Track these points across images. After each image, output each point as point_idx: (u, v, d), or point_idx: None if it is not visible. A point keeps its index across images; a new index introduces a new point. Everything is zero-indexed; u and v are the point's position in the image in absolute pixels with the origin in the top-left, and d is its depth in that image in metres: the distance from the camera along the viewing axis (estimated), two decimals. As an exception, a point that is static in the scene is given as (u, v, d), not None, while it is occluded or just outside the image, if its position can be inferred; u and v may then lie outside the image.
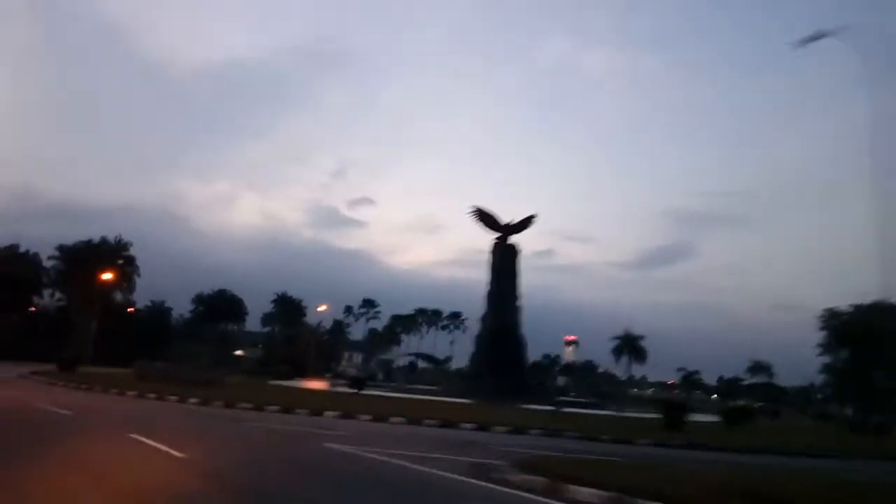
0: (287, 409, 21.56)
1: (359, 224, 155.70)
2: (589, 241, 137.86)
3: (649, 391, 79.83)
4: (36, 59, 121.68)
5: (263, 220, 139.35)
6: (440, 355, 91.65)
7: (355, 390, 36.74)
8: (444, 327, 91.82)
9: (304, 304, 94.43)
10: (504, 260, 45.84)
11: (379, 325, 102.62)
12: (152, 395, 23.65)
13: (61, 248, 66.58)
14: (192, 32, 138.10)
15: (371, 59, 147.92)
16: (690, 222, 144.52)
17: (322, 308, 75.04)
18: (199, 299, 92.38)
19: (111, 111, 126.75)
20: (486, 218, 47.19)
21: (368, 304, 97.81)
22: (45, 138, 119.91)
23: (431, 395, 40.65)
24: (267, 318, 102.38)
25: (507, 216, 46.54)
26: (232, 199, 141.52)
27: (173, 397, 23.06)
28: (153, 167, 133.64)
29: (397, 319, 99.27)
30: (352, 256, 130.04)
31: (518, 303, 45.41)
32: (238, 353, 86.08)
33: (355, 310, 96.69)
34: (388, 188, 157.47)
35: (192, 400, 22.40)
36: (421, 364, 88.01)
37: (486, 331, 44.81)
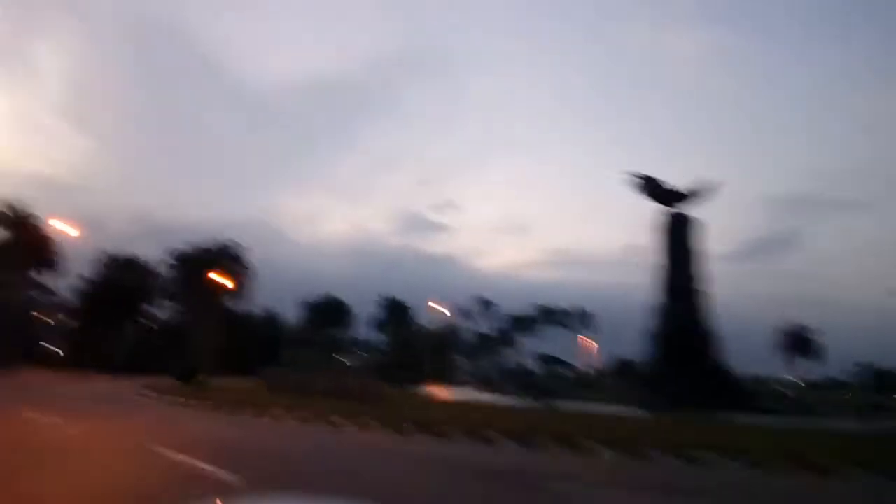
0: (525, 441, 13.45)
1: (445, 228, 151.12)
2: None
3: (847, 395, 66.80)
4: (139, 89, 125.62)
5: (353, 228, 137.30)
6: (566, 358, 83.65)
7: (537, 402, 29.44)
8: (567, 327, 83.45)
9: (411, 307, 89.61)
10: (678, 237, 37.55)
11: (484, 327, 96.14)
12: (305, 417, 17.50)
13: (177, 254, 64.04)
14: (280, 52, 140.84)
15: (453, 64, 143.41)
16: (799, 207, 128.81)
17: (437, 307, 68.90)
18: (308, 306, 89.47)
19: (208, 133, 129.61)
20: (649, 185, 39.05)
21: (482, 304, 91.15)
22: (150, 162, 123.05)
23: (596, 405, 32.82)
24: (375, 323, 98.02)
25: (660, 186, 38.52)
26: (323, 209, 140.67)
27: (345, 423, 16.28)
28: (249, 184, 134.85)
29: (513, 320, 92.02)
30: (439, 261, 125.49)
31: (701, 287, 36.97)
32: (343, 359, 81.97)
33: (466, 310, 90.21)
34: (473, 191, 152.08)
35: (373, 424, 15.84)
36: (549, 367, 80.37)
37: (667, 324, 36.54)
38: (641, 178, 39.33)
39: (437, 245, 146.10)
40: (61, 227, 41.66)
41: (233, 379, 39.28)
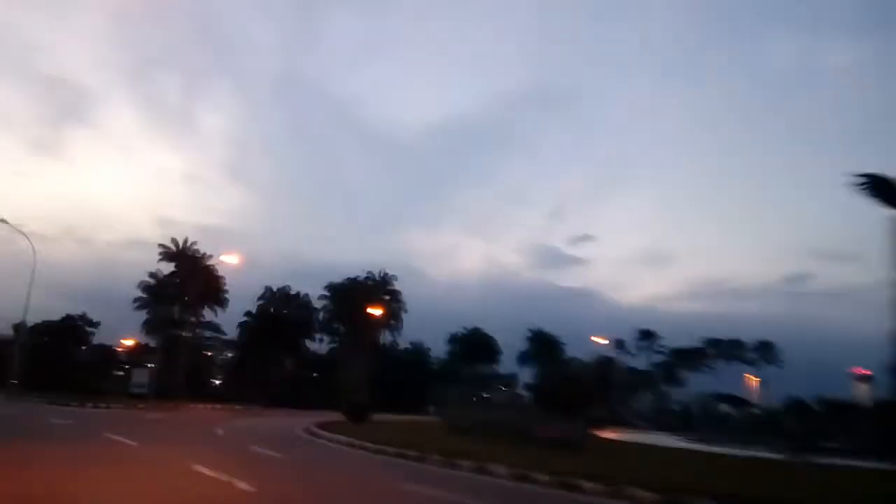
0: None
1: (581, 261, 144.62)
2: (851, 260, 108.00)
3: None
4: (287, 141, 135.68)
5: (488, 264, 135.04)
6: (740, 395, 73.96)
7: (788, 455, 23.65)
8: (746, 362, 74.00)
9: (560, 340, 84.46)
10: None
11: (642, 362, 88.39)
12: (520, 473, 13.76)
13: (330, 286, 64.26)
14: (413, 97, 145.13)
15: (582, 95, 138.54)
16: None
17: (597, 340, 63.46)
18: (452, 339, 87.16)
19: (348, 177, 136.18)
20: (883, 188, 32.01)
21: (641, 336, 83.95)
22: (297, 207, 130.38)
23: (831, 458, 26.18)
24: (521, 357, 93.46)
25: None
26: (457, 246, 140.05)
27: (579, 482, 12.39)
28: (387, 225, 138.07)
29: (675, 353, 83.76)
30: (577, 294, 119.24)
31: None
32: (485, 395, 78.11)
33: (627, 343, 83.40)
34: (609, 223, 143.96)
35: (627, 489, 11.78)
36: (721, 406, 71.41)
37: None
38: (867, 177, 32.46)
39: (573, 278, 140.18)
40: (228, 261, 42.07)
41: (395, 415, 36.74)
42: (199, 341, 61.17)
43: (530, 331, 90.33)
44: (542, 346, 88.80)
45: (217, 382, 66.90)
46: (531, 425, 21.54)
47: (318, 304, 66.27)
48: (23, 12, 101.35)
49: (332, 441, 21.13)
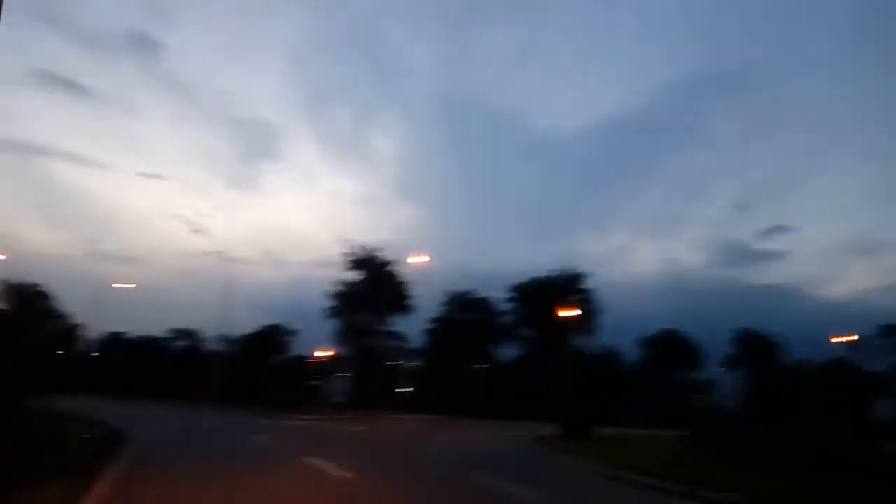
0: None
1: (773, 255, 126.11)
2: None
3: None
4: (452, 155, 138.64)
5: (664, 264, 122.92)
6: None
7: None
8: None
9: (776, 341, 72.73)
10: None
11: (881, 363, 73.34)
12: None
13: (516, 288, 60.22)
14: (574, 98, 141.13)
15: (760, 75, 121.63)
16: None
17: (842, 339, 52.64)
18: (648, 343, 78.99)
19: (514, 186, 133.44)
20: None
21: (889, 332, 69.78)
22: (467, 219, 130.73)
23: None
24: (726, 361, 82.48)
25: None
26: (630, 247, 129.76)
27: None
28: (554, 230, 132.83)
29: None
30: (771, 291, 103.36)
31: None
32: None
33: (871, 340, 69.72)
34: (805, 212, 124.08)
35: None
36: None
37: None
38: None
39: (766, 274, 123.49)
40: (416, 262, 39.68)
41: (613, 428, 31.34)
42: (387, 350, 60.08)
43: (737, 331, 79.62)
44: (755, 348, 77.79)
45: (404, 391, 65.77)
46: (853, 451, 15.13)
47: (495, 310, 62.61)
48: (219, 64, 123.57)
49: (577, 468, 16.47)
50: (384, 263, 58.84)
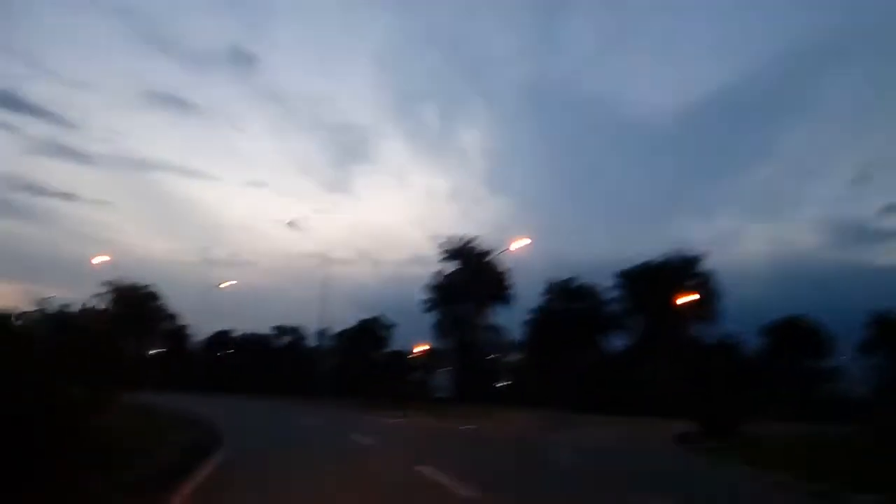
0: None
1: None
2: None
3: None
4: (541, 145, 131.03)
5: (774, 247, 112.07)
6: None
7: None
8: None
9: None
10: None
11: None
12: None
13: (623, 274, 56.13)
14: (667, 80, 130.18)
15: (878, 41, 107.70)
16: None
17: None
18: (769, 330, 72.10)
19: (607, 172, 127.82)
20: None
21: None
22: (560, 208, 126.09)
23: None
24: (860, 348, 73.94)
25: None
26: (738, 231, 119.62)
27: None
28: (652, 216, 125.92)
29: None
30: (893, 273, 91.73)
31: None
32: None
33: None
34: None
35: None
36: None
37: None
38: None
39: (889, 254, 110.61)
40: (517, 247, 36.91)
41: (762, 426, 27.14)
42: (486, 342, 57.61)
43: (870, 315, 71.28)
44: (890, 333, 69.36)
45: (503, 385, 63.03)
46: None
47: (600, 298, 58.62)
48: (310, 73, 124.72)
49: (757, 480, 13.14)
50: (482, 253, 56.44)
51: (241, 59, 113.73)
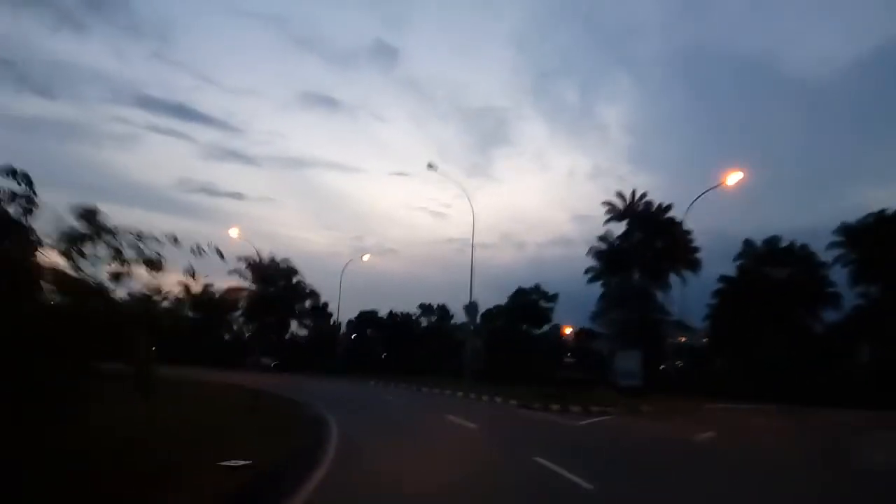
0: None
1: None
2: None
3: None
4: (691, 113, 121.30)
5: None
6: None
7: None
8: None
9: None
10: None
11: None
12: None
13: (846, 230, 44.08)
14: (835, 32, 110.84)
15: None
16: None
17: None
18: None
19: (770, 141, 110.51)
20: None
21: None
22: (711, 181, 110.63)
23: None
24: None
25: None
26: None
27: None
28: (826, 184, 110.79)
29: None
30: None
31: None
32: None
33: None
34: None
35: None
36: None
37: None
38: None
39: None
40: (733, 180, 27.43)
41: None
42: (664, 319, 47.58)
43: None
44: None
45: (683, 368, 52.71)
46: None
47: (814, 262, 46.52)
48: (448, 60, 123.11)
49: None
50: (655, 211, 46.84)
51: (383, 53, 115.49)
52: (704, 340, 51.77)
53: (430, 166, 37.88)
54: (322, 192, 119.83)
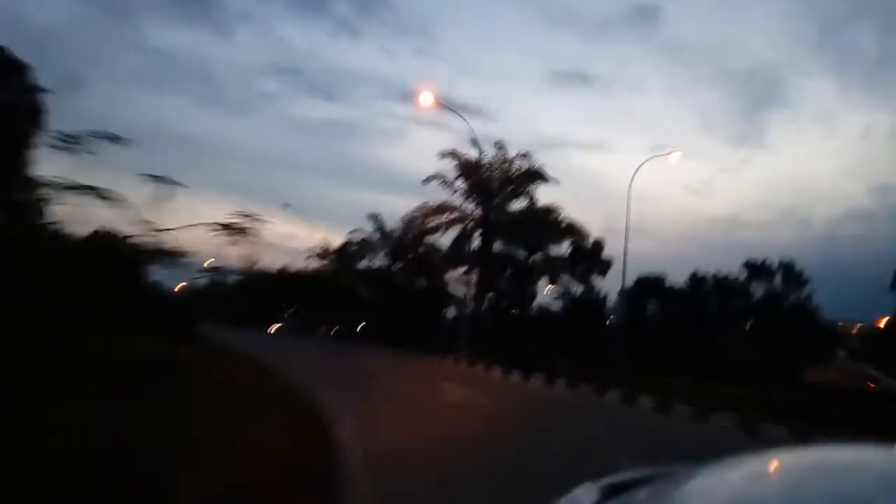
0: None
1: None
2: None
3: None
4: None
5: None
6: None
7: None
8: None
9: None
10: None
11: None
12: None
13: None
14: None
15: None
16: None
17: None
18: None
19: None
20: None
21: None
22: None
23: None
24: None
25: None
26: None
27: None
28: None
29: None
30: None
31: None
32: None
33: None
34: None
35: None
36: None
37: None
38: None
39: None
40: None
41: None
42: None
43: None
44: None
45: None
46: None
47: None
48: (710, 17, 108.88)
49: None
50: None
51: (641, 16, 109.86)
52: None
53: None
54: (574, 172, 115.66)
